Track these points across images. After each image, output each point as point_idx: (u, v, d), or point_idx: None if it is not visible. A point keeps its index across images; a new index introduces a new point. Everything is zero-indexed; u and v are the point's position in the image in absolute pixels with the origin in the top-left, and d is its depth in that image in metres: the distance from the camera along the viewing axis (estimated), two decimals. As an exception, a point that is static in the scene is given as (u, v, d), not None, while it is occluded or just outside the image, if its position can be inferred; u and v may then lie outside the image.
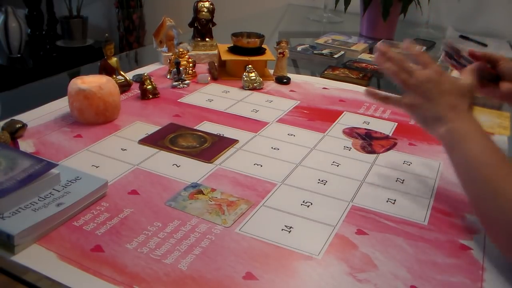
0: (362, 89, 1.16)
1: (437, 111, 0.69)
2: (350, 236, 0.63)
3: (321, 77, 1.24)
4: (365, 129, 0.94)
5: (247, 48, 1.16)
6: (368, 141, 0.89)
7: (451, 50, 0.84)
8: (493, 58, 0.80)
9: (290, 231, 0.63)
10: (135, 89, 1.05)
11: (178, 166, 0.77)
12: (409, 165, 0.82)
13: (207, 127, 0.91)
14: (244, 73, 1.12)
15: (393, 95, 0.77)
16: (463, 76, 0.77)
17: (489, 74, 0.80)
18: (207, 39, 1.26)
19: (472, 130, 0.67)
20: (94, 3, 2.83)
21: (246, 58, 1.14)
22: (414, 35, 1.74)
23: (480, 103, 1.11)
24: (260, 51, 1.18)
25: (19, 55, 2.60)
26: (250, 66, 1.12)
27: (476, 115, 0.69)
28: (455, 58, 0.84)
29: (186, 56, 1.14)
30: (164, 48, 1.22)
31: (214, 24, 1.26)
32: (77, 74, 1.07)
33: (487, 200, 0.60)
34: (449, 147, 0.68)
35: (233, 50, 1.18)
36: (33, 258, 0.55)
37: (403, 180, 0.78)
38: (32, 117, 0.89)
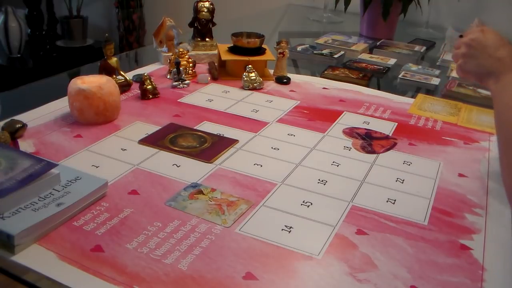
0: (362, 89, 1.16)
1: (485, 66, 0.78)
2: (350, 236, 0.63)
3: (321, 77, 1.24)
4: (365, 129, 0.94)
5: (247, 48, 1.16)
6: (368, 141, 0.89)
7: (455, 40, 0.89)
8: None
9: (290, 231, 0.63)
10: (135, 89, 1.05)
11: (178, 166, 0.77)
12: (409, 165, 0.82)
13: (207, 127, 0.91)
14: (244, 73, 1.12)
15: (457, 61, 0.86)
16: None
17: None
18: (207, 39, 1.26)
19: None
20: (94, 3, 2.83)
21: (246, 58, 1.14)
22: (414, 35, 1.74)
23: (480, 103, 1.12)
24: (260, 51, 1.18)
25: (19, 55, 2.60)
26: (250, 66, 1.12)
27: None
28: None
29: (186, 56, 1.14)
30: (164, 48, 1.22)
31: (214, 24, 1.26)
32: (77, 74, 1.08)
33: None
34: (495, 99, 0.75)
35: (233, 50, 1.18)
36: (33, 258, 0.55)
37: (403, 180, 0.78)
38: (32, 117, 0.89)
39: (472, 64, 0.81)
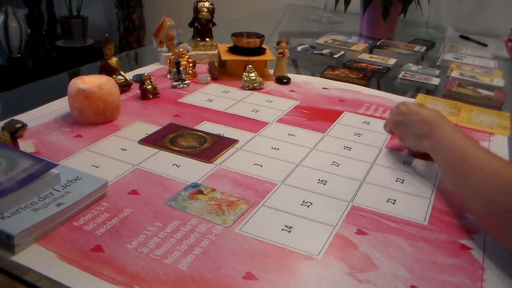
0: (362, 89, 1.16)
1: (416, 130, 0.79)
2: (350, 236, 0.63)
3: (321, 77, 1.24)
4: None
5: (247, 48, 1.16)
6: None
7: None
8: None
9: (290, 231, 0.63)
10: (135, 89, 1.05)
11: (178, 166, 0.77)
12: (409, 165, 0.82)
13: (207, 127, 0.91)
14: (244, 73, 1.12)
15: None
16: None
17: None
18: (207, 39, 1.26)
19: (448, 133, 0.74)
20: (94, 3, 2.84)
21: (246, 58, 1.14)
22: (414, 35, 1.74)
23: (480, 103, 1.12)
24: (260, 51, 1.18)
25: (19, 55, 2.60)
26: (250, 66, 1.12)
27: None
28: None
29: (186, 56, 1.14)
30: (164, 48, 1.22)
31: (214, 24, 1.26)
32: (77, 74, 1.08)
33: (463, 174, 0.66)
34: (434, 153, 0.76)
35: (233, 50, 1.18)
36: (33, 258, 0.55)
37: (403, 180, 0.78)
38: (32, 117, 0.89)
39: (405, 135, 0.83)
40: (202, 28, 1.25)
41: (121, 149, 0.81)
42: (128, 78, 1.05)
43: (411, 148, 0.84)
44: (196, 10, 1.24)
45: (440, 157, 0.74)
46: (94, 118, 0.88)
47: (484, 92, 1.17)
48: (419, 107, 0.82)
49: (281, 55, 1.18)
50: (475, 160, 0.66)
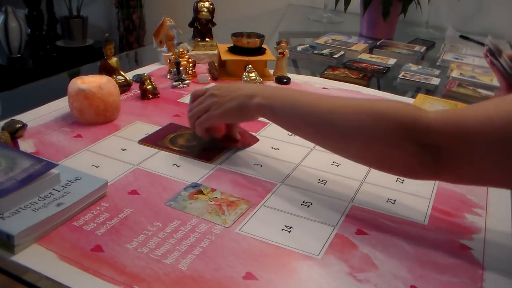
0: (362, 89, 1.16)
1: (244, 92, 0.74)
2: (350, 236, 0.63)
3: (321, 77, 1.24)
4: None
5: (247, 48, 1.16)
6: None
7: (495, 48, 0.88)
8: None
9: (290, 231, 0.63)
10: (135, 89, 1.05)
11: (178, 166, 0.77)
12: (409, 165, 0.82)
13: (207, 127, 0.91)
14: (244, 73, 1.12)
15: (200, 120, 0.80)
16: (499, 79, 0.87)
17: None
18: (207, 39, 1.26)
19: (281, 89, 0.73)
20: (94, 3, 2.84)
21: (246, 58, 1.14)
22: (414, 35, 1.74)
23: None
24: (260, 51, 1.18)
25: (19, 55, 2.60)
26: (250, 66, 1.12)
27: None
28: (496, 57, 0.87)
29: (186, 56, 1.14)
30: (164, 48, 1.22)
31: (214, 24, 1.26)
32: (77, 74, 1.08)
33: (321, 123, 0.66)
34: (270, 109, 0.72)
35: (233, 50, 1.18)
36: (33, 258, 0.55)
37: (403, 180, 0.78)
38: (32, 117, 0.89)
39: (227, 105, 0.75)
40: (202, 28, 1.25)
41: (121, 149, 0.81)
42: (128, 78, 1.05)
43: (227, 117, 0.77)
44: (196, 10, 1.24)
45: (281, 114, 0.71)
46: (94, 118, 0.88)
47: (484, 92, 1.17)
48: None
49: (281, 55, 1.18)
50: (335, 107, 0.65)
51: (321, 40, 1.55)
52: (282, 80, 1.16)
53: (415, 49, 1.53)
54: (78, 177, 0.67)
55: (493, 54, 0.88)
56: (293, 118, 0.70)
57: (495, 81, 1.26)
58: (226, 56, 1.16)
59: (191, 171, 0.76)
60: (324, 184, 0.75)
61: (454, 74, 1.31)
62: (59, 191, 0.63)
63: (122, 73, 1.04)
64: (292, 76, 1.19)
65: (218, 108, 0.76)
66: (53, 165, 0.65)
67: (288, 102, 0.70)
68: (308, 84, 1.17)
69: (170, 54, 1.18)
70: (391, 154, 0.61)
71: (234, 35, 1.17)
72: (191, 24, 1.26)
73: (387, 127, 0.60)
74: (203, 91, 0.80)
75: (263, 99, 0.72)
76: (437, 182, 0.77)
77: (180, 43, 1.22)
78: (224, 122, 0.80)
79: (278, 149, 0.85)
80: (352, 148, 0.65)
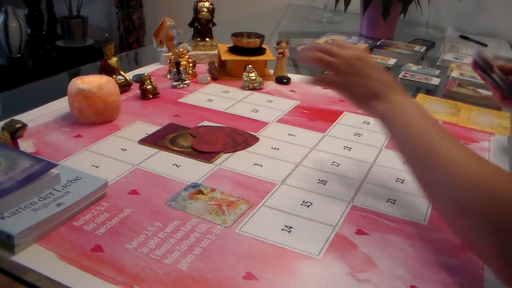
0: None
1: (373, 87, 0.68)
2: (350, 236, 0.63)
3: (321, 77, 1.24)
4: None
5: (247, 48, 1.16)
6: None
7: (483, 63, 0.83)
8: None
9: (290, 231, 0.63)
10: (135, 89, 1.05)
11: (178, 166, 0.77)
12: (409, 165, 0.82)
13: (207, 127, 0.91)
14: (244, 73, 1.12)
15: (325, 76, 0.75)
16: (492, 91, 0.81)
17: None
18: (207, 39, 1.26)
19: (410, 104, 0.66)
20: (94, 3, 2.83)
21: (246, 58, 1.14)
22: (414, 35, 1.74)
23: (480, 103, 1.11)
24: (260, 51, 1.18)
25: (19, 55, 2.60)
26: (250, 66, 1.12)
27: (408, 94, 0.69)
28: (488, 72, 0.83)
29: (186, 56, 1.14)
30: (164, 48, 1.22)
31: (214, 24, 1.26)
32: (77, 74, 1.07)
33: (429, 165, 0.58)
34: (389, 122, 0.66)
35: (233, 50, 1.18)
36: (33, 258, 0.55)
37: (403, 180, 0.78)
38: (32, 117, 0.89)
39: (352, 84, 0.70)
40: (202, 28, 1.25)
41: (121, 149, 0.81)
42: (128, 78, 1.05)
43: (351, 101, 0.72)
44: (196, 10, 1.24)
45: (397, 134, 0.65)
46: (94, 118, 0.88)
47: (484, 92, 1.17)
48: (379, 65, 0.71)
49: (281, 55, 1.18)
50: (446, 157, 0.57)
51: (321, 40, 1.55)
52: (282, 80, 1.16)
53: (415, 49, 1.53)
54: (78, 177, 0.67)
55: (484, 69, 0.82)
56: (406, 145, 0.64)
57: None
58: (226, 56, 1.16)
59: (191, 171, 0.76)
60: (324, 184, 0.75)
61: (454, 74, 1.30)
62: (59, 191, 0.63)
63: (122, 73, 1.04)
64: (292, 76, 1.19)
65: (341, 79, 0.71)
66: (53, 165, 0.65)
67: (407, 127, 0.63)
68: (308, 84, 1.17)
69: (170, 54, 1.18)
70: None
71: (234, 35, 1.17)
72: (191, 24, 1.26)
73: (476, 207, 0.51)
74: (347, 51, 0.72)
75: (386, 108, 0.66)
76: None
77: (180, 43, 1.22)
78: (338, 92, 0.74)
79: (278, 149, 0.85)
80: (445, 209, 0.58)
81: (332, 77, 0.73)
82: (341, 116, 1.00)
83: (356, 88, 0.70)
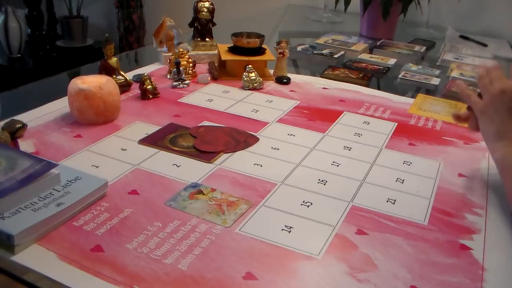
0: (362, 89, 1.16)
1: (499, 128, 0.68)
2: (350, 236, 0.63)
3: (321, 77, 1.24)
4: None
5: (247, 48, 1.16)
6: None
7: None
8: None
9: (290, 231, 0.63)
10: (135, 89, 1.05)
11: (178, 166, 0.77)
12: (409, 165, 0.82)
13: (207, 127, 0.91)
14: (244, 73, 1.12)
15: (474, 95, 0.77)
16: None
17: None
18: (207, 39, 1.26)
19: None
20: (94, 3, 2.83)
21: (246, 58, 1.14)
22: (414, 35, 1.74)
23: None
24: (260, 51, 1.18)
25: (19, 55, 2.60)
26: (250, 66, 1.12)
27: None
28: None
29: (186, 56, 1.14)
30: (164, 48, 1.22)
31: (214, 24, 1.26)
32: (77, 74, 1.08)
33: None
34: (502, 168, 0.66)
35: (233, 50, 1.18)
36: (33, 258, 0.55)
37: (403, 180, 0.78)
38: (32, 117, 0.89)
39: (485, 124, 0.70)
40: (202, 28, 1.25)
41: (121, 149, 0.81)
42: (128, 78, 1.05)
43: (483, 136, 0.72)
44: (196, 10, 1.24)
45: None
46: (94, 118, 0.88)
47: (484, 92, 1.17)
48: None
49: (281, 55, 1.18)
50: None
51: (321, 40, 1.55)
52: (282, 80, 1.16)
53: (415, 49, 1.53)
54: (78, 177, 0.67)
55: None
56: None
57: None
58: (226, 56, 1.16)
59: (191, 171, 0.76)
60: (324, 184, 0.75)
61: (454, 74, 1.31)
62: (59, 191, 0.63)
63: (122, 73, 1.04)
64: (292, 76, 1.19)
65: (479, 108, 0.72)
66: (53, 165, 0.65)
67: None
68: (308, 84, 1.17)
69: (170, 54, 1.18)
70: None
71: (234, 35, 1.17)
72: (191, 24, 1.26)
73: None
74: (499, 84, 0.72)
75: (504, 155, 0.65)
76: (437, 182, 0.77)
77: (180, 43, 1.22)
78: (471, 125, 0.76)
79: (278, 149, 0.85)
80: None
81: (478, 101, 0.73)
82: (341, 116, 1.00)
83: (488, 122, 0.70)
